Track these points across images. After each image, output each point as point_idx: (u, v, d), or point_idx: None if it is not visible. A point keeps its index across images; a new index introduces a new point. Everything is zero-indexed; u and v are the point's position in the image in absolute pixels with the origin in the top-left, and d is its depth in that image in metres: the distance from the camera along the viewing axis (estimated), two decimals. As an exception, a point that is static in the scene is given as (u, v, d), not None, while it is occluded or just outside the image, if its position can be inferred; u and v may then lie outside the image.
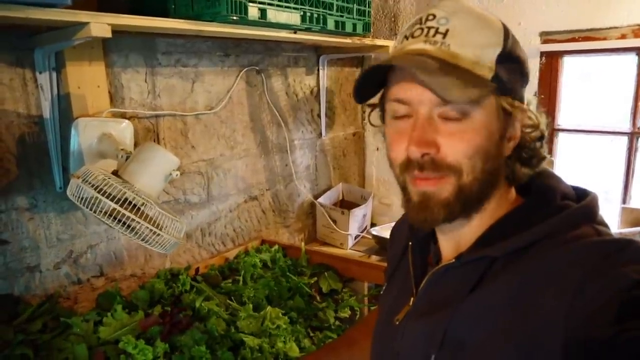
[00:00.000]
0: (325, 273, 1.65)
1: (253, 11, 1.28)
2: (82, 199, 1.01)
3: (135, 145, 1.30)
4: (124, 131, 1.27)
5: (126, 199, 0.99)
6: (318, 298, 1.55)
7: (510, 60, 0.61)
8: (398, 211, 2.33)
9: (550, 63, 2.00)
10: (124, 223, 1.02)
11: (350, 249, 2.14)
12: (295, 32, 1.52)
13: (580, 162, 2.12)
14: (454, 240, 0.67)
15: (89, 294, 1.36)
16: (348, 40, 1.75)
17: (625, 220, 1.89)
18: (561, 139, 2.08)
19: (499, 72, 0.59)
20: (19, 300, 1.20)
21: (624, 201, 1.95)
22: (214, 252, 1.75)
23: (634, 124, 1.90)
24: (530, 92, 2.02)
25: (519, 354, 0.53)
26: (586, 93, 2.05)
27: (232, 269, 1.64)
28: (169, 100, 1.52)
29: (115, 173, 1.10)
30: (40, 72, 1.17)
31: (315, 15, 1.51)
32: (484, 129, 0.60)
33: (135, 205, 1.01)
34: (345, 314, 1.53)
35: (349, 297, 1.60)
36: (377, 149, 2.50)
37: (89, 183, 1.00)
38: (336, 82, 2.27)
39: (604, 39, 1.85)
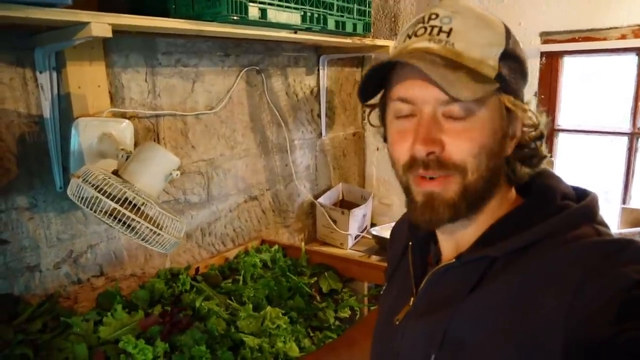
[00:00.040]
0: (325, 273, 1.65)
1: (253, 11, 1.28)
2: (82, 198, 1.01)
3: (136, 145, 1.30)
4: (124, 131, 1.27)
5: (126, 199, 0.99)
6: (318, 298, 1.55)
7: (512, 59, 0.61)
8: (398, 211, 2.34)
9: (551, 63, 2.00)
10: (124, 223, 1.02)
11: (350, 249, 2.14)
12: (295, 32, 1.52)
13: (580, 162, 2.12)
14: (455, 240, 0.67)
15: (89, 293, 1.36)
16: (348, 40, 1.75)
17: (625, 220, 1.89)
18: (561, 139, 2.08)
19: (502, 71, 0.60)
20: (19, 299, 1.20)
21: (624, 201, 1.95)
22: (214, 252, 1.75)
23: (634, 124, 1.90)
24: (530, 92, 2.04)
25: (519, 354, 0.53)
26: (586, 93, 2.05)
27: (232, 269, 1.64)
28: (169, 100, 1.52)
29: (115, 173, 1.10)
30: (40, 72, 1.17)
31: (316, 15, 1.51)
32: (488, 128, 0.60)
33: (135, 205, 1.01)
34: (345, 314, 1.53)
35: (349, 297, 1.60)
36: (377, 149, 2.50)
37: (89, 183, 1.00)
38: (336, 82, 2.27)
39: (604, 39, 1.85)
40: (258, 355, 1.21)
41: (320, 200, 2.18)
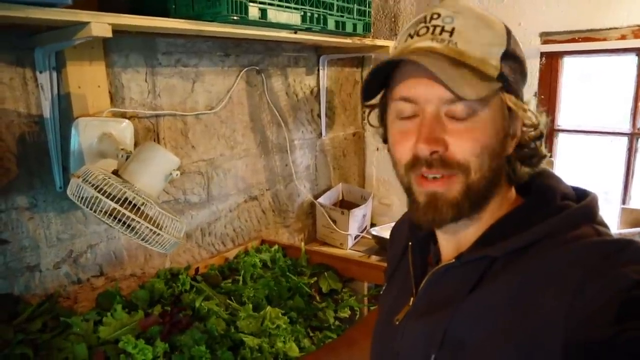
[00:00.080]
0: (325, 273, 1.65)
1: (253, 11, 1.28)
2: (82, 198, 1.01)
3: (136, 145, 1.30)
4: (124, 131, 1.27)
5: (126, 199, 0.99)
6: (318, 298, 1.55)
7: (512, 59, 0.62)
8: (398, 211, 2.34)
9: (550, 63, 2.01)
10: (124, 223, 1.02)
11: (350, 249, 2.14)
12: (295, 32, 1.52)
13: (580, 162, 2.12)
14: (455, 240, 0.67)
15: (88, 293, 1.36)
16: (348, 41, 1.75)
17: (625, 220, 1.89)
18: (561, 140, 2.08)
19: (504, 71, 0.60)
20: (19, 299, 1.20)
21: (623, 202, 1.95)
22: (214, 252, 1.75)
23: (633, 124, 1.90)
24: (530, 92, 2.04)
25: (519, 354, 0.53)
26: (586, 93, 2.05)
27: (232, 269, 1.64)
28: (169, 100, 1.52)
29: (115, 173, 1.10)
30: (40, 72, 1.17)
31: (316, 16, 1.51)
32: (490, 128, 0.60)
33: (135, 205, 1.01)
34: (345, 314, 1.53)
35: (348, 297, 1.60)
36: (377, 149, 2.50)
37: (89, 183, 1.00)
38: (336, 82, 2.28)
39: (604, 39, 1.85)
40: (258, 356, 1.21)
41: (320, 200, 2.18)
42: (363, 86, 0.65)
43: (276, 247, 1.78)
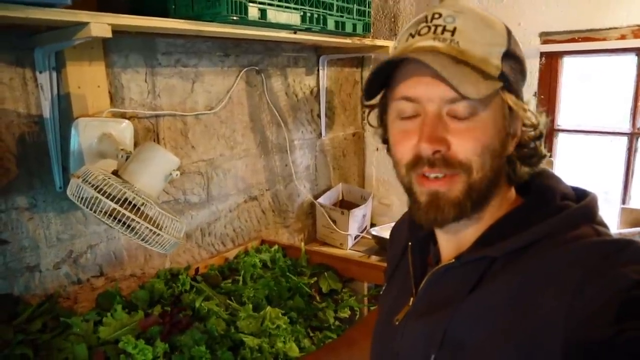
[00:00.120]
0: (325, 273, 1.65)
1: (253, 11, 1.28)
2: (82, 198, 1.01)
3: (135, 145, 1.30)
4: (124, 131, 1.27)
5: (126, 199, 1.00)
6: (318, 298, 1.55)
7: (513, 59, 0.62)
8: (398, 211, 2.34)
9: (550, 63, 2.01)
10: (124, 223, 1.02)
11: (350, 249, 2.14)
12: (295, 33, 1.52)
13: (580, 162, 2.12)
14: (455, 240, 0.67)
15: (88, 293, 1.36)
16: (348, 41, 1.76)
17: (625, 220, 1.89)
18: (561, 139, 2.08)
19: (505, 70, 0.60)
20: (19, 300, 1.20)
21: (623, 201, 1.95)
22: (214, 252, 1.75)
23: (633, 124, 1.90)
24: (530, 92, 2.03)
25: (519, 354, 0.53)
26: (586, 93, 2.05)
27: (232, 269, 1.64)
28: (169, 101, 1.52)
29: (115, 173, 1.10)
30: (40, 72, 1.17)
31: (315, 16, 1.51)
32: (492, 127, 0.60)
33: (135, 205, 1.01)
34: (345, 314, 1.53)
35: (348, 297, 1.60)
36: (377, 149, 2.50)
37: (89, 183, 1.00)
38: (336, 83, 2.28)
39: (604, 39, 1.85)
40: (258, 356, 1.21)
41: (320, 200, 2.18)
42: (365, 85, 0.65)
43: (276, 247, 1.78)
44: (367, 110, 0.74)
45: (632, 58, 1.85)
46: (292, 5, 1.41)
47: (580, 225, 0.58)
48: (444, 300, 0.63)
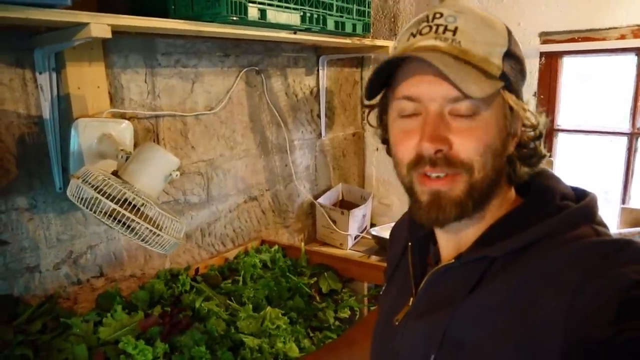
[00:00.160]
0: (325, 273, 1.65)
1: (253, 12, 1.28)
2: (81, 199, 1.01)
3: (135, 145, 1.30)
4: (123, 132, 1.27)
5: (126, 200, 1.00)
6: (318, 298, 1.55)
7: (513, 59, 0.62)
8: (398, 211, 2.34)
9: (550, 63, 2.01)
10: (124, 223, 1.02)
11: (350, 249, 2.14)
12: (295, 33, 1.52)
13: (580, 162, 2.12)
14: (455, 240, 0.67)
15: (88, 294, 1.36)
16: (348, 41, 1.76)
17: (625, 220, 1.89)
18: (561, 139, 2.08)
19: (505, 70, 0.60)
20: (19, 300, 1.20)
21: (623, 201, 1.95)
22: (214, 253, 1.75)
23: (633, 124, 1.90)
24: (529, 92, 2.04)
25: (519, 354, 0.53)
26: (586, 93, 2.05)
27: (232, 269, 1.64)
28: (168, 101, 1.52)
29: (115, 173, 1.10)
30: (40, 73, 1.17)
31: (315, 16, 1.51)
32: (493, 126, 0.60)
33: (135, 206, 1.01)
34: (345, 314, 1.53)
35: (348, 297, 1.60)
36: (377, 149, 2.50)
37: (89, 183, 1.00)
38: (336, 83, 2.28)
39: (603, 39, 1.85)
40: (258, 356, 1.21)
41: (320, 200, 2.18)
42: (367, 85, 0.64)
43: (276, 247, 1.78)
44: (367, 110, 0.74)
45: (631, 58, 1.85)
46: (292, 6, 1.41)
47: (580, 226, 0.58)
48: (443, 300, 0.63)
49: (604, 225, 0.61)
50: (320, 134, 2.21)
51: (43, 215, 1.24)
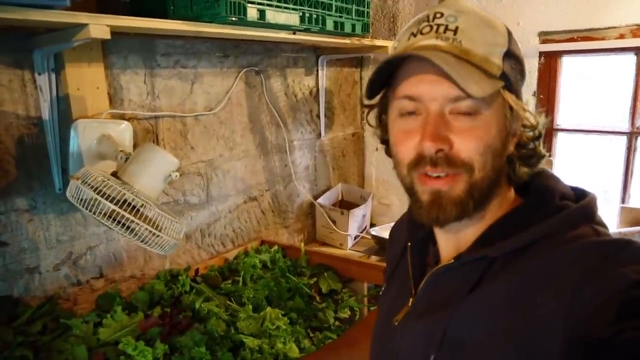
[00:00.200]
0: (325, 273, 1.65)
1: (252, 12, 1.28)
2: (81, 200, 1.01)
3: (135, 146, 1.30)
4: (123, 132, 1.27)
5: (125, 201, 1.00)
6: (318, 298, 1.55)
7: (513, 59, 0.62)
8: (397, 211, 2.34)
9: (549, 63, 2.01)
10: (123, 224, 1.02)
11: (349, 249, 2.14)
12: (294, 33, 1.52)
13: (579, 161, 2.12)
14: (454, 240, 0.67)
15: (88, 295, 1.36)
16: (347, 41, 1.76)
17: (625, 219, 1.89)
18: (560, 139, 2.09)
19: (505, 70, 0.60)
20: (19, 301, 1.20)
21: (623, 201, 1.95)
22: (214, 253, 1.75)
23: (632, 123, 1.90)
24: (529, 92, 2.04)
25: (518, 354, 0.53)
26: (585, 93, 2.06)
27: (232, 270, 1.64)
28: (168, 102, 1.52)
29: (114, 174, 1.10)
30: (39, 74, 1.17)
31: (314, 16, 1.51)
32: (494, 126, 0.60)
33: (134, 207, 1.01)
34: (345, 314, 1.53)
35: (348, 297, 1.60)
36: (377, 149, 2.50)
37: (88, 184, 1.00)
38: (335, 83, 2.28)
39: (603, 39, 1.85)
40: (258, 356, 1.21)
41: (320, 200, 2.18)
42: (367, 84, 0.64)
43: (276, 247, 1.78)
44: (366, 110, 0.74)
45: (630, 57, 1.85)
46: (291, 6, 1.41)
47: (580, 225, 0.58)
48: (443, 300, 0.63)
49: (604, 225, 0.61)
50: (320, 134, 2.21)
51: (43, 216, 1.24)
